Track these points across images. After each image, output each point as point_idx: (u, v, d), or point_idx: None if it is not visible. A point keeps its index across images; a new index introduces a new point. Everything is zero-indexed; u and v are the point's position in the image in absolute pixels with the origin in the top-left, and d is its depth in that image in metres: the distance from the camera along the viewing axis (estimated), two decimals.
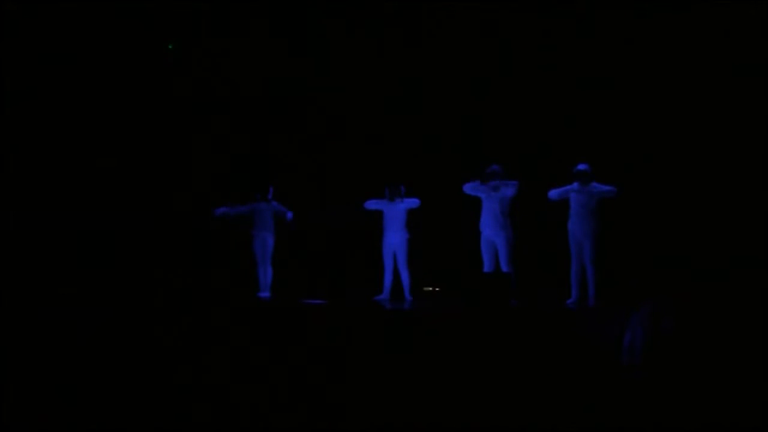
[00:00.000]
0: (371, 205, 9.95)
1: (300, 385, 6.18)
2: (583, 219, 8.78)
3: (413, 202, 9.79)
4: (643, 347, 5.51)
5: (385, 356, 6.83)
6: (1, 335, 7.13)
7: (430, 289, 10.54)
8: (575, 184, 8.85)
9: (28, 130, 11.23)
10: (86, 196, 11.33)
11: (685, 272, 8.56)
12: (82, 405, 5.91)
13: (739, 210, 8.98)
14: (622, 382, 5.59)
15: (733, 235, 8.92)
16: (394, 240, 9.78)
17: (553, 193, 8.96)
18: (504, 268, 9.01)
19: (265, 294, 10.37)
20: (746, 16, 8.98)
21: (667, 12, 9.55)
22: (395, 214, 9.80)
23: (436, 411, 5.61)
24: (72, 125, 11.51)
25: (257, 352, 7.09)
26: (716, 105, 9.32)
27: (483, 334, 7.02)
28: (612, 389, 5.53)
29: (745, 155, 9.09)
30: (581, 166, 8.83)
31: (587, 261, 8.76)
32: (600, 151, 9.40)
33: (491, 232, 9.12)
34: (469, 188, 9.26)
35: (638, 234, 9.40)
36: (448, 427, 5.45)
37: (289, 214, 10.50)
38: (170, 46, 11.92)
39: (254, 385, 6.25)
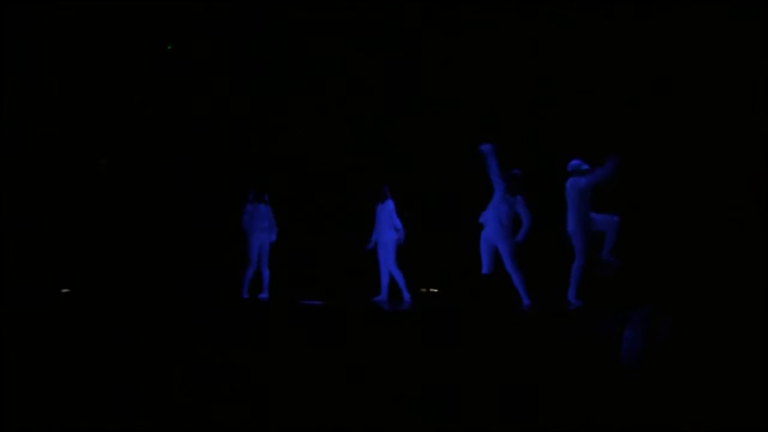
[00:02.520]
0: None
1: (298, 386, 6.16)
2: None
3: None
4: (640, 350, 5.50)
5: (383, 357, 6.81)
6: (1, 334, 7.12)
7: (425, 290, 10.51)
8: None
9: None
10: (84, 195, 11.36)
11: (682, 276, 8.56)
12: (80, 404, 5.89)
13: (739, 212, 8.97)
14: (622, 382, 5.57)
15: (732, 238, 8.91)
16: (384, 239, 9.82)
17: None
18: (508, 269, 8.77)
19: (263, 295, 10.35)
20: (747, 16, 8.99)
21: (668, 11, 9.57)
22: (383, 215, 9.85)
23: (435, 411, 5.59)
24: (70, 126, 11.51)
25: (255, 352, 7.07)
26: (716, 105, 9.32)
27: (481, 334, 7.00)
28: (612, 389, 5.52)
29: (746, 157, 9.08)
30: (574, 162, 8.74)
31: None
32: (599, 151, 9.37)
33: (493, 233, 8.86)
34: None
35: (637, 235, 9.37)
36: (447, 427, 5.43)
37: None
38: (169, 47, 11.91)
39: (252, 386, 6.23)
